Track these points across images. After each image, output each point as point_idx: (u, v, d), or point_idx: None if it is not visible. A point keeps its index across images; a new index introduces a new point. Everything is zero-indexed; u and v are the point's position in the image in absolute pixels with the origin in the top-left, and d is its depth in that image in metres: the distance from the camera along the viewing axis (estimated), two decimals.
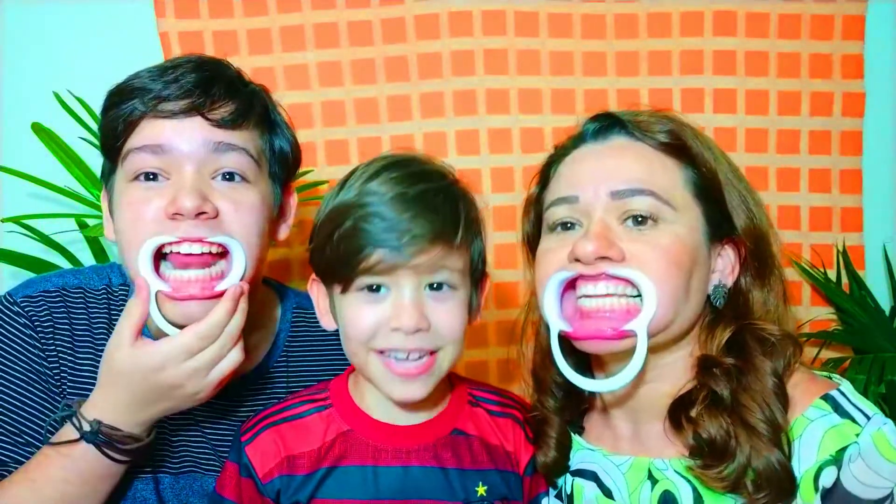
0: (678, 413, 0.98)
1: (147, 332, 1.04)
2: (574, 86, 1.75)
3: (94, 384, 1.04)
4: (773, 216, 1.76)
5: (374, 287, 0.99)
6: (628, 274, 0.95)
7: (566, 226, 1.02)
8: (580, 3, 1.74)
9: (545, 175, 1.10)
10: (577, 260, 0.97)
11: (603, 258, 0.95)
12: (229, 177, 1.07)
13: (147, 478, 1.14)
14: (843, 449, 0.88)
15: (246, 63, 1.60)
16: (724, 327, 1.00)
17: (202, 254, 1.04)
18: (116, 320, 1.11)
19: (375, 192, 0.98)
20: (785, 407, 0.94)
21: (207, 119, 1.05)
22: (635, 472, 1.02)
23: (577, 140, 1.07)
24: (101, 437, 1.00)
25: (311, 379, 1.21)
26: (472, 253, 1.04)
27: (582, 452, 1.09)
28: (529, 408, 1.15)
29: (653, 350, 0.97)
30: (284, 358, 1.24)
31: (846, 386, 0.96)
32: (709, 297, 1.02)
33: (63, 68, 1.68)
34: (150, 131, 1.05)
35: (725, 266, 1.03)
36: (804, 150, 1.79)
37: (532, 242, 1.12)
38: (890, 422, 0.89)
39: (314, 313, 1.09)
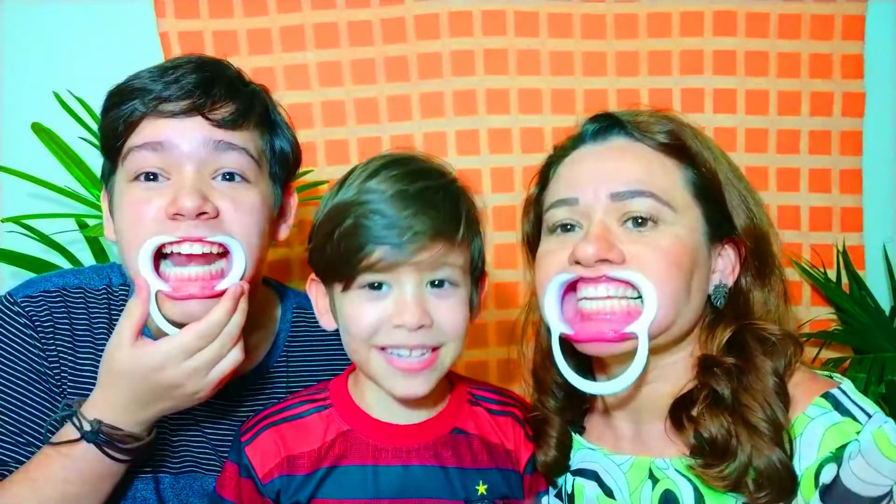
0: (679, 412, 0.98)
1: (147, 331, 1.04)
2: (574, 86, 1.75)
3: (94, 384, 1.04)
4: (773, 216, 1.75)
5: (376, 285, 0.99)
6: (629, 276, 0.95)
7: (566, 227, 1.02)
8: (580, 3, 1.75)
9: (544, 176, 1.10)
10: (578, 262, 0.97)
11: (603, 260, 0.95)
12: (229, 177, 1.07)
13: (147, 477, 1.14)
14: (844, 446, 0.88)
15: (246, 63, 1.61)
16: (724, 327, 1.00)
17: (203, 254, 1.04)
18: (117, 320, 1.11)
19: (375, 189, 0.98)
20: (786, 406, 0.94)
21: (208, 119, 1.05)
22: (636, 471, 1.02)
23: (576, 141, 1.07)
24: (101, 436, 1.00)
25: (311, 379, 1.21)
26: (472, 250, 1.04)
27: (583, 452, 1.09)
28: (529, 407, 1.15)
29: (654, 351, 0.97)
30: (284, 358, 1.24)
31: (847, 384, 0.96)
32: (709, 297, 1.02)
33: (63, 68, 1.68)
34: (151, 130, 1.05)
35: (726, 266, 1.03)
36: (804, 150, 1.79)
37: (532, 243, 1.12)
38: (891, 420, 0.89)
39: (314, 313, 1.09)
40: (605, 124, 1.04)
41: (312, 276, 1.07)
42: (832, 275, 1.78)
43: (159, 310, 1.02)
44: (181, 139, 1.04)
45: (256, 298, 1.14)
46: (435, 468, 1.04)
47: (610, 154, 1.02)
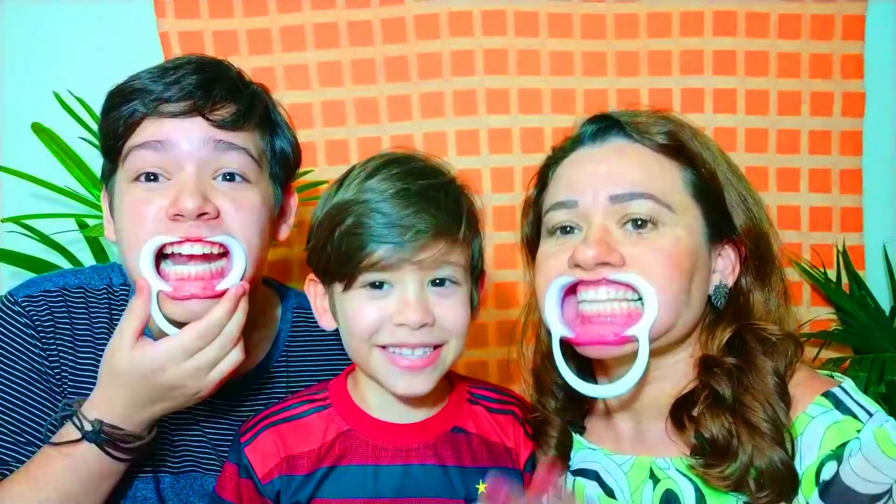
0: (680, 413, 0.98)
1: (148, 331, 1.04)
2: (574, 86, 1.75)
3: (94, 383, 1.04)
4: (773, 216, 1.75)
5: (377, 284, 0.99)
6: (629, 279, 0.95)
7: (566, 230, 1.02)
8: (580, 3, 1.74)
9: (543, 177, 1.09)
10: (577, 265, 0.97)
11: (603, 263, 0.95)
12: (230, 177, 1.07)
13: (148, 477, 1.14)
14: (844, 444, 0.88)
15: (246, 63, 1.60)
16: (724, 327, 1.00)
17: (203, 254, 1.04)
18: (117, 320, 1.12)
19: (376, 188, 0.98)
20: (787, 406, 0.94)
21: (208, 120, 1.05)
22: (637, 471, 1.02)
23: (574, 142, 1.06)
24: (102, 436, 1.01)
25: (312, 378, 1.21)
26: (472, 249, 1.04)
27: (583, 452, 1.09)
28: (529, 406, 1.15)
29: (655, 352, 0.97)
30: (285, 358, 1.24)
31: (848, 383, 0.96)
32: (710, 297, 1.02)
33: (63, 68, 1.68)
34: (152, 130, 1.05)
35: (726, 266, 1.03)
36: (804, 150, 1.79)
37: (531, 244, 1.12)
38: (892, 419, 0.89)
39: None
40: (604, 125, 1.04)
41: (311, 275, 1.07)
42: (832, 275, 1.78)
43: (160, 310, 1.03)
44: (181, 139, 1.04)
45: (257, 298, 1.14)
46: (435, 467, 1.04)
47: (609, 155, 1.02)
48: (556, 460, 0.82)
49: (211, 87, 1.06)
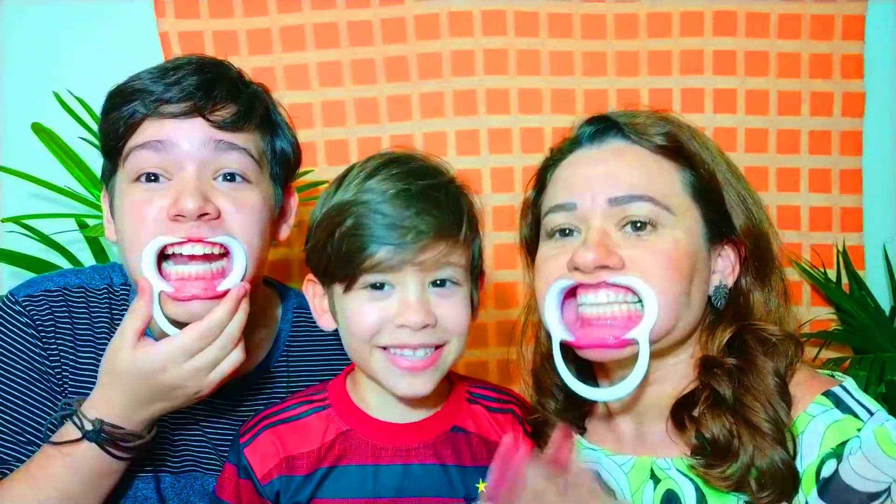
0: (681, 413, 0.98)
1: (149, 331, 1.04)
2: (574, 86, 1.75)
3: (95, 383, 1.04)
4: (773, 216, 1.75)
5: (378, 285, 0.98)
6: (629, 282, 0.95)
7: (564, 232, 1.01)
8: (580, 3, 1.74)
9: (541, 179, 1.09)
10: (577, 269, 0.96)
11: (602, 267, 0.95)
12: (230, 177, 1.07)
13: (148, 477, 1.14)
14: (844, 443, 0.88)
15: (246, 63, 1.60)
16: (724, 328, 1.00)
17: (204, 254, 1.04)
18: (118, 320, 1.12)
19: (376, 189, 0.98)
20: (788, 405, 0.94)
21: (209, 121, 1.05)
22: (638, 471, 1.02)
23: (572, 143, 1.06)
24: (103, 435, 1.01)
25: (312, 378, 1.21)
26: (473, 249, 1.04)
27: (584, 453, 1.09)
28: (529, 406, 1.15)
29: (655, 354, 0.97)
30: (285, 358, 1.24)
31: (850, 383, 0.96)
32: (710, 298, 1.02)
33: (63, 68, 1.68)
34: (152, 130, 1.05)
35: (726, 266, 1.02)
36: (804, 150, 1.79)
37: (530, 245, 1.12)
38: (893, 419, 0.89)
39: None
40: (602, 126, 1.04)
41: (309, 276, 1.07)
42: (832, 275, 1.78)
43: (162, 310, 1.03)
44: (182, 139, 1.04)
45: (257, 298, 1.14)
46: (435, 467, 1.04)
47: (607, 157, 1.01)
48: (569, 428, 0.82)
49: (211, 87, 1.06)
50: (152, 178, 1.05)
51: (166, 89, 1.05)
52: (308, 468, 1.03)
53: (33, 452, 1.06)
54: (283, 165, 1.16)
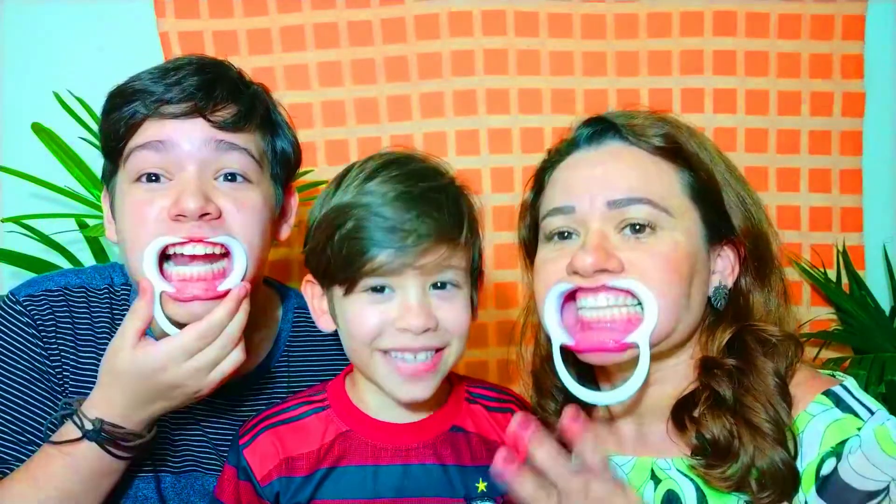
0: (681, 414, 0.98)
1: (150, 331, 1.04)
2: (574, 86, 1.75)
3: (95, 383, 1.04)
4: (773, 216, 1.76)
5: (378, 288, 0.98)
6: (628, 285, 0.94)
7: (563, 235, 1.01)
8: (580, 3, 1.75)
9: (540, 180, 1.08)
10: (576, 272, 0.96)
11: (602, 270, 0.94)
12: (231, 177, 1.07)
13: (148, 476, 1.14)
14: (844, 442, 0.88)
15: (246, 63, 1.60)
16: (724, 328, 0.99)
17: (205, 254, 1.04)
18: (119, 320, 1.12)
19: (375, 191, 0.97)
20: (788, 406, 0.94)
21: (209, 121, 1.05)
22: (638, 472, 1.01)
23: (570, 145, 1.05)
24: (103, 435, 1.01)
25: (313, 379, 1.21)
26: (473, 251, 1.04)
27: None
28: (528, 406, 1.15)
29: (656, 357, 0.97)
30: (286, 358, 1.24)
31: (850, 382, 0.96)
32: (709, 299, 1.02)
33: (63, 68, 1.68)
34: (153, 130, 1.05)
35: (725, 267, 1.02)
36: (804, 150, 1.79)
37: (528, 247, 1.11)
38: (893, 418, 0.89)
39: None
40: (599, 128, 1.03)
41: (308, 277, 1.06)
42: (832, 275, 1.78)
43: (163, 310, 1.03)
44: (183, 139, 1.04)
45: (258, 299, 1.14)
46: (435, 466, 1.04)
47: (605, 159, 1.01)
48: (579, 409, 0.82)
49: (212, 88, 1.06)
50: (153, 178, 1.05)
51: (167, 90, 1.05)
52: (308, 469, 1.03)
53: (33, 452, 1.06)
54: (283, 165, 1.16)
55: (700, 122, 1.73)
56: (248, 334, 1.06)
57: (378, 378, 1.01)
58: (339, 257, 0.97)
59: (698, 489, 0.96)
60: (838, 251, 1.78)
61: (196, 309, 1.02)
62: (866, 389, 1.52)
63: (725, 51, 1.76)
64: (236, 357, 1.03)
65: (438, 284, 0.99)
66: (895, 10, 1.81)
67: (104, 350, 1.04)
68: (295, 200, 1.22)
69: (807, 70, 1.78)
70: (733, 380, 0.96)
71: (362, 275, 0.96)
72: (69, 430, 1.02)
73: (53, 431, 1.04)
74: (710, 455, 0.93)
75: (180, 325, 1.03)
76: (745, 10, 1.76)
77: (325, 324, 1.06)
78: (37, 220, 1.57)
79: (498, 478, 0.82)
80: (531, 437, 0.81)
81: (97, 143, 1.15)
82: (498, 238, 1.64)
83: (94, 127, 1.53)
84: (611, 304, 0.96)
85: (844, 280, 1.78)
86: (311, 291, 1.07)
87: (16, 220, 1.57)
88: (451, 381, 1.12)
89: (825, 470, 0.88)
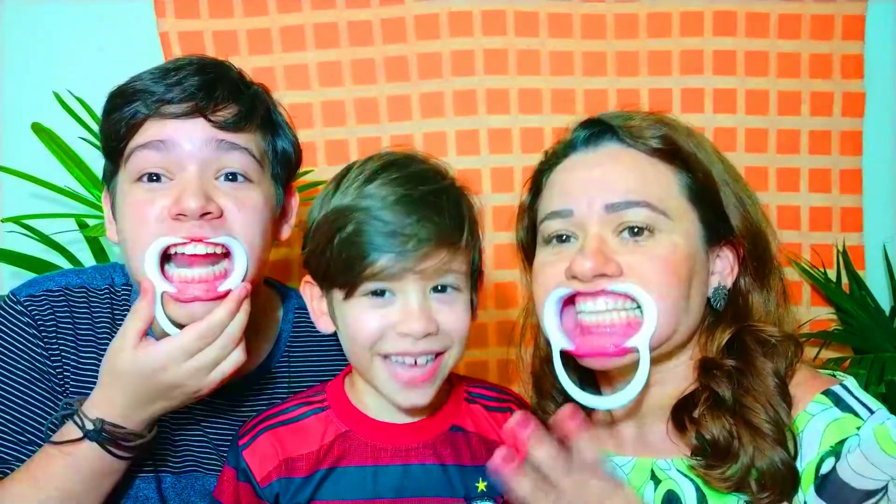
0: (681, 414, 0.98)
1: (150, 332, 1.04)
2: (574, 86, 1.75)
3: (96, 383, 1.04)
4: (773, 216, 1.76)
5: (379, 292, 0.98)
6: (627, 289, 0.94)
7: (561, 238, 1.01)
8: (580, 3, 1.75)
9: (537, 182, 1.08)
10: (575, 277, 0.96)
11: (601, 275, 0.94)
12: (232, 177, 1.07)
13: (149, 477, 1.14)
14: (843, 441, 0.88)
15: (246, 63, 1.60)
16: (723, 329, 0.99)
17: (206, 254, 1.04)
18: (119, 320, 1.12)
19: (375, 194, 0.97)
20: (788, 406, 0.94)
21: (210, 121, 1.05)
22: (638, 472, 1.01)
23: (567, 147, 1.05)
24: (104, 434, 1.01)
25: (313, 379, 1.21)
26: (474, 254, 1.03)
27: None
28: (528, 406, 1.15)
29: (656, 360, 0.97)
30: (286, 358, 1.24)
31: (850, 382, 0.95)
32: (709, 299, 1.01)
33: (63, 68, 1.68)
34: (154, 130, 1.05)
35: (724, 267, 1.02)
36: (804, 150, 1.79)
37: (527, 249, 1.11)
38: (894, 418, 0.89)
39: None
40: (596, 130, 1.03)
41: (307, 278, 1.06)
42: (832, 275, 1.78)
43: (164, 310, 1.03)
44: (184, 139, 1.04)
45: (258, 299, 1.14)
46: (435, 466, 1.04)
47: (602, 161, 1.00)
48: (577, 408, 0.82)
49: (213, 88, 1.06)
50: (154, 178, 1.05)
51: (168, 90, 1.05)
52: (307, 470, 1.03)
53: (34, 452, 1.07)
54: (284, 165, 1.16)
55: (700, 122, 1.73)
56: (249, 335, 1.06)
57: (377, 383, 1.01)
58: (338, 261, 0.97)
59: (698, 489, 0.96)
60: (838, 251, 1.78)
61: (196, 310, 1.02)
62: (866, 389, 1.51)
63: (725, 51, 1.76)
64: (237, 357, 1.03)
65: (439, 288, 0.99)
66: (895, 10, 1.81)
67: (105, 350, 1.04)
68: (295, 200, 1.22)
69: (807, 70, 1.78)
70: (733, 380, 0.96)
71: (362, 279, 0.96)
72: (70, 430, 1.02)
73: (54, 432, 1.04)
74: (710, 455, 0.93)
75: (181, 326, 1.03)
76: (745, 10, 1.76)
77: (324, 325, 1.06)
78: (37, 220, 1.57)
79: (496, 476, 0.82)
80: (530, 435, 0.81)
81: (97, 143, 1.15)
82: (498, 238, 1.64)
83: (94, 127, 1.53)
84: (610, 308, 0.96)
85: (844, 280, 1.78)
86: (310, 292, 1.07)
87: (16, 220, 1.57)
88: (451, 381, 1.12)
89: (824, 469, 0.88)
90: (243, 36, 1.70)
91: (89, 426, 1.01)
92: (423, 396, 1.00)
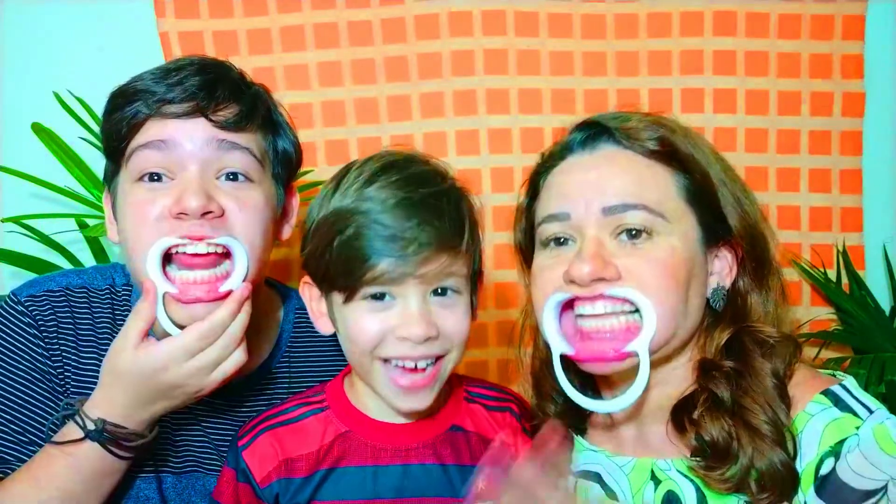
0: (680, 415, 0.98)
1: (151, 332, 1.04)
2: (574, 86, 1.75)
3: (97, 383, 1.04)
4: (773, 216, 1.76)
5: (379, 295, 0.97)
6: (626, 294, 0.94)
7: (559, 241, 1.00)
8: (580, 3, 1.75)
9: (534, 184, 1.08)
10: (573, 281, 0.96)
11: (599, 279, 0.94)
12: (233, 177, 1.07)
13: (150, 477, 1.14)
14: (843, 441, 0.88)
15: (246, 63, 1.60)
16: (722, 329, 0.99)
17: (208, 254, 1.04)
18: (120, 320, 1.12)
19: (375, 197, 0.96)
20: (787, 406, 0.94)
21: (211, 121, 1.05)
22: (638, 472, 1.01)
23: (564, 149, 1.04)
24: (105, 434, 1.01)
25: (314, 379, 1.21)
26: (474, 257, 1.03)
27: (585, 454, 1.09)
28: (527, 405, 1.15)
29: (655, 362, 0.97)
30: (287, 358, 1.24)
31: (850, 381, 0.95)
32: (708, 300, 1.01)
33: (63, 68, 1.68)
34: (155, 130, 1.05)
35: (723, 268, 1.02)
36: (804, 150, 1.79)
37: (525, 251, 1.11)
38: (893, 417, 0.89)
39: None
40: (593, 132, 1.02)
41: (306, 278, 1.05)
42: (832, 275, 1.78)
43: (165, 311, 1.03)
44: (185, 139, 1.04)
45: (259, 299, 1.14)
46: (435, 466, 1.04)
47: (599, 164, 1.00)
48: (560, 425, 0.82)
49: (214, 88, 1.06)
50: (155, 177, 1.05)
51: (169, 90, 1.05)
52: (307, 470, 1.03)
53: (35, 453, 1.07)
54: (285, 165, 1.16)
55: (700, 122, 1.73)
56: (250, 335, 1.06)
57: (377, 387, 1.01)
58: (338, 264, 0.96)
59: (698, 490, 0.96)
60: (838, 251, 1.78)
61: (197, 312, 1.02)
62: (866, 389, 1.51)
63: (725, 51, 1.76)
64: (238, 357, 1.04)
65: (439, 291, 0.99)
66: (895, 10, 1.81)
67: (105, 350, 1.04)
68: (296, 200, 1.22)
69: (807, 70, 1.78)
70: (731, 381, 0.96)
71: (362, 283, 0.96)
72: (71, 431, 1.02)
73: (55, 432, 1.04)
74: (710, 457, 0.93)
75: (182, 327, 1.03)
76: (745, 10, 1.76)
77: (323, 326, 1.06)
78: (37, 220, 1.57)
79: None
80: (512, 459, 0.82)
81: (97, 143, 1.15)
82: (498, 238, 1.64)
83: (95, 127, 1.53)
84: (608, 311, 0.96)
85: (844, 280, 1.78)
86: (308, 293, 1.06)
87: (16, 220, 1.57)
88: (451, 381, 1.12)
89: (824, 470, 0.88)
90: (243, 36, 1.71)
91: (90, 426, 1.01)
92: (422, 401, 1.00)
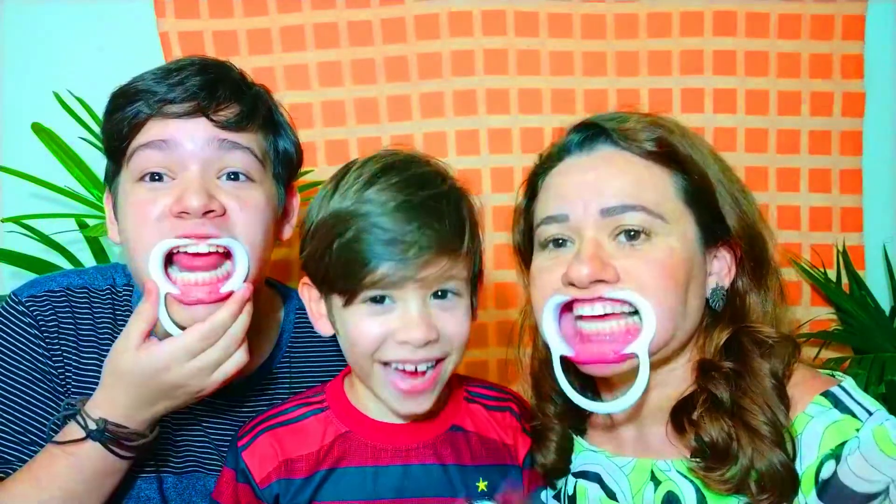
0: (680, 416, 0.98)
1: (152, 332, 1.04)
2: (574, 86, 1.75)
3: (98, 384, 1.04)
4: (773, 216, 1.76)
5: (379, 299, 0.97)
6: (625, 296, 0.94)
7: (558, 242, 1.00)
8: (580, 3, 1.75)
9: (532, 185, 1.08)
10: (572, 283, 0.96)
11: (598, 281, 0.94)
12: (234, 176, 1.07)
13: (150, 477, 1.14)
14: (843, 444, 0.88)
15: (246, 63, 1.60)
16: (721, 330, 0.99)
17: (209, 254, 1.04)
18: (121, 320, 1.13)
19: (375, 200, 0.95)
20: (787, 407, 0.94)
21: (212, 120, 1.05)
22: (638, 473, 1.02)
23: (562, 150, 1.04)
24: (107, 434, 1.01)
25: (314, 379, 1.21)
26: (474, 259, 1.02)
27: (585, 454, 1.09)
28: (527, 404, 1.15)
29: (655, 364, 0.97)
30: (288, 359, 1.24)
31: (849, 382, 0.95)
32: (707, 300, 1.01)
33: (63, 68, 1.68)
34: (156, 130, 1.05)
35: (722, 268, 1.02)
36: (804, 150, 1.79)
37: (524, 252, 1.11)
38: (893, 418, 0.89)
39: None
40: (591, 133, 1.02)
41: (305, 279, 1.05)
42: (832, 275, 1.78)
43: (167, 312, 1.03)
44: (186, 139, 1.04)
45: (260, 300, 1.14)
46: (435, 466, 1.04)
47: (597, 165, 1.00)
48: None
49: (214, 88, 1.06)
50: (156, 177, 1.05)
51: (170, 90, 1.05)
52: (307, 471, 1.03)
53: (36, 453, 1.07)
54: (285, 165, 1.16)
55: (700, 122, 1.73)
56: (251, 335, 1.06)
57: (377, 390, 1.01)
58: (338, 267, 0.96)
59: (698, 490, 0.96)
60: (838, 251, 1.79)
61: (198, 313, 1.02)
62: (866, 389, 1.52)
63: (725, 51, 1.76)
64: (240, 358, 1.04)
65: (439, 294, 0.98)
66: (895, 10, 1.81)
67: (106, 351, 1.04)
68: (297, 200, 1.22)
69: (807, 70, 1.78)
70: (730, 382, 0.96)
71: (362, 287, 0.95)
72: (73, 430, 1.02)
73: (56, 432, 1.04)
74: (709, 457, 0.94)
75: (183, 328, 1.03)
76: (745, 10, 1.76)
77: (323, 327, 1.06)
78: (37, 220, 1.57)
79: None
80: None
81: (97, 143, 1.15)
82: (498, 238, 1.63)
83: (95, 127, 1.53)
84: (608, 313, 0.96)
85: (844, 280, 1.78)
86: (308, 294, 1.06)
87: (16, 220, 1.57)
88: (451, 381, 1.11)
89: (825, 473, 0.88)
90: (243, 36, 1.71)
91: (92, 426, 1.01)
92: (422, 405, 1.00)
